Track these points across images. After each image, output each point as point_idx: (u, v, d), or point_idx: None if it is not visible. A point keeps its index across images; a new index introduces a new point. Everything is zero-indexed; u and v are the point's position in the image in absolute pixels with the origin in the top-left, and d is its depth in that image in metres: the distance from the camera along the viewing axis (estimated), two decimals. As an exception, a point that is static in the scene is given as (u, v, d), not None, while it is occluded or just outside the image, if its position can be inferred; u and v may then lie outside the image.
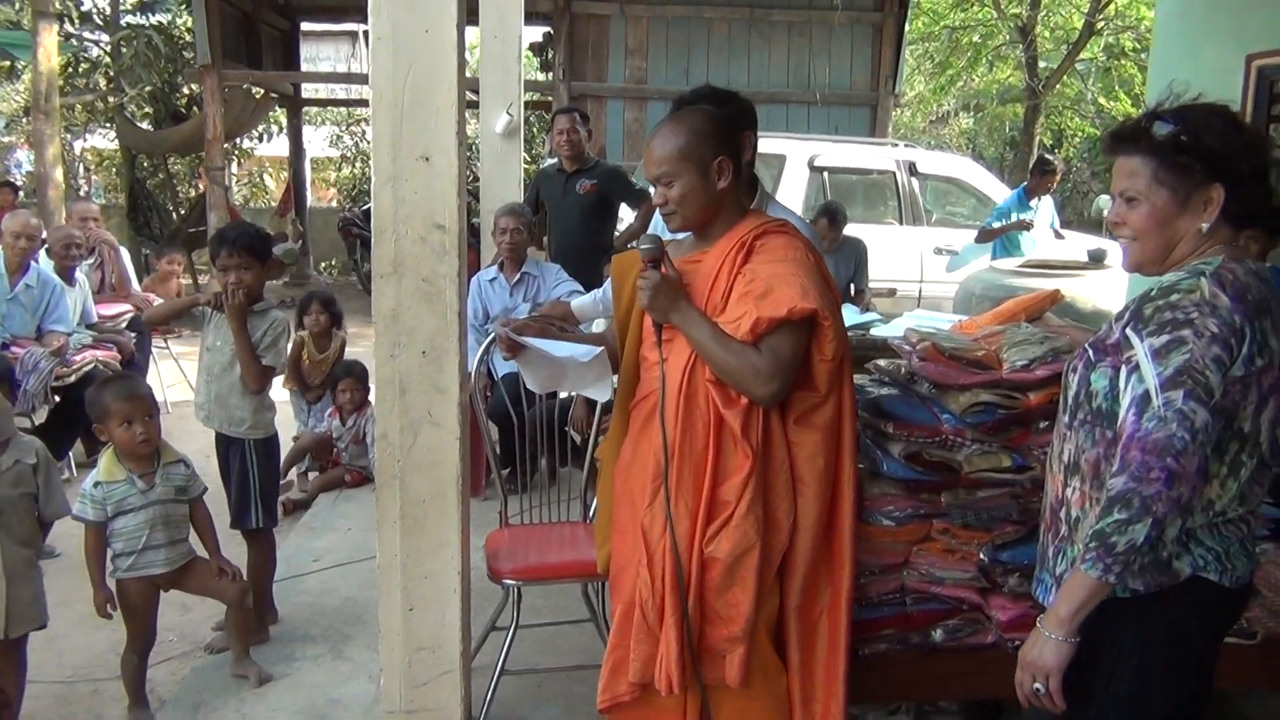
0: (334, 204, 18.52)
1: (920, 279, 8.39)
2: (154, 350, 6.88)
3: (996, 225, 7.79)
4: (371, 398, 4.41)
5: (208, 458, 3.81)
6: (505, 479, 3.56)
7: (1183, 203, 1.80)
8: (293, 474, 5.43)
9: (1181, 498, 1.67)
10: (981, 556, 2.47)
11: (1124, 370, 1.77)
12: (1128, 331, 1.79)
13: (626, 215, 6.41)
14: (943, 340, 2.61)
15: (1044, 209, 7.96)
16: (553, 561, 3.06)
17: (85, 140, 16.85)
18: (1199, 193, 1.79)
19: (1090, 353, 1.87)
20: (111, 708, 3.28)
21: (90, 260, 6.58)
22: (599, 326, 3.48)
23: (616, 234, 6.17)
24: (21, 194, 11.83)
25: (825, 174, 8.48)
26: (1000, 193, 8.95)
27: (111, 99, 13.66)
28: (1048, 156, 8.62)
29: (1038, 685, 1.82)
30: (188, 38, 12.99)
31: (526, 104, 8.76)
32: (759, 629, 2.29)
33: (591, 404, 3.94)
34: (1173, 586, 1.78)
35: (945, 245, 8.49)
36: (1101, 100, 16.91)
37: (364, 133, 17.16)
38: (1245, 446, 1.76)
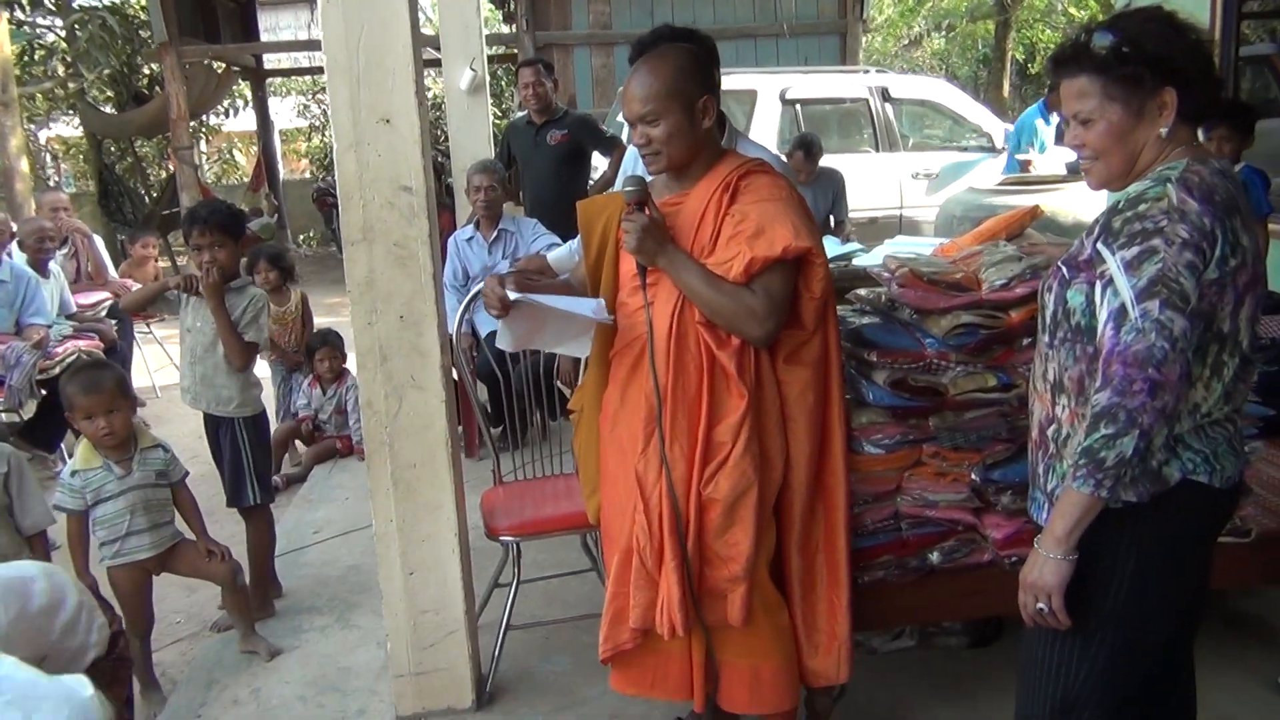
0: (307, 175, 18.35)
1: (900, 205, 8.36)
2: (137, 335, 6.84)
3: (1020, 158, 7.78)
4: (350, 365, 4.40)
5: (200, 439, 3.80)
6: (497, 437, 3.56)
7: (1138, 112, 1.77)
8: (285, 462, 5.42)
9: (1166, 407, 1.67)
10: (973, 477, 2.49)
11: (1099, 285, 1.76)
12: (1099, 246, 1.77)
13: (600, 164, 6.35)
14: (921, 265, 2.60)
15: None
16: (549, 515, 3.07)
17: (49, 129, 16.59)
18: (1152, 99, 1.76)
19: (1064, 270, 1.85)
20: (125, 693, 3.29)
21: (64, 250, 6.52)
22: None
23: (591, 183, 6.11)
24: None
25: (798, 106, 8.40)
26: (975, 112, 8.89)
27: (71, 85, 13.42)
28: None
29: (1041, 605, 1.83)
30: (143, 16, 12.74)
31: (491, 57, 8.66)
32: (759, 566, 2.30)
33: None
34: (1164, 493, 1.79)
35: (923, 169, 8.44)
36: (1072, 10, 16.73)
37: (331, 100, 16.91)
38: (1226, 347, 1.76)
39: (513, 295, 2.42)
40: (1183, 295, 1.66)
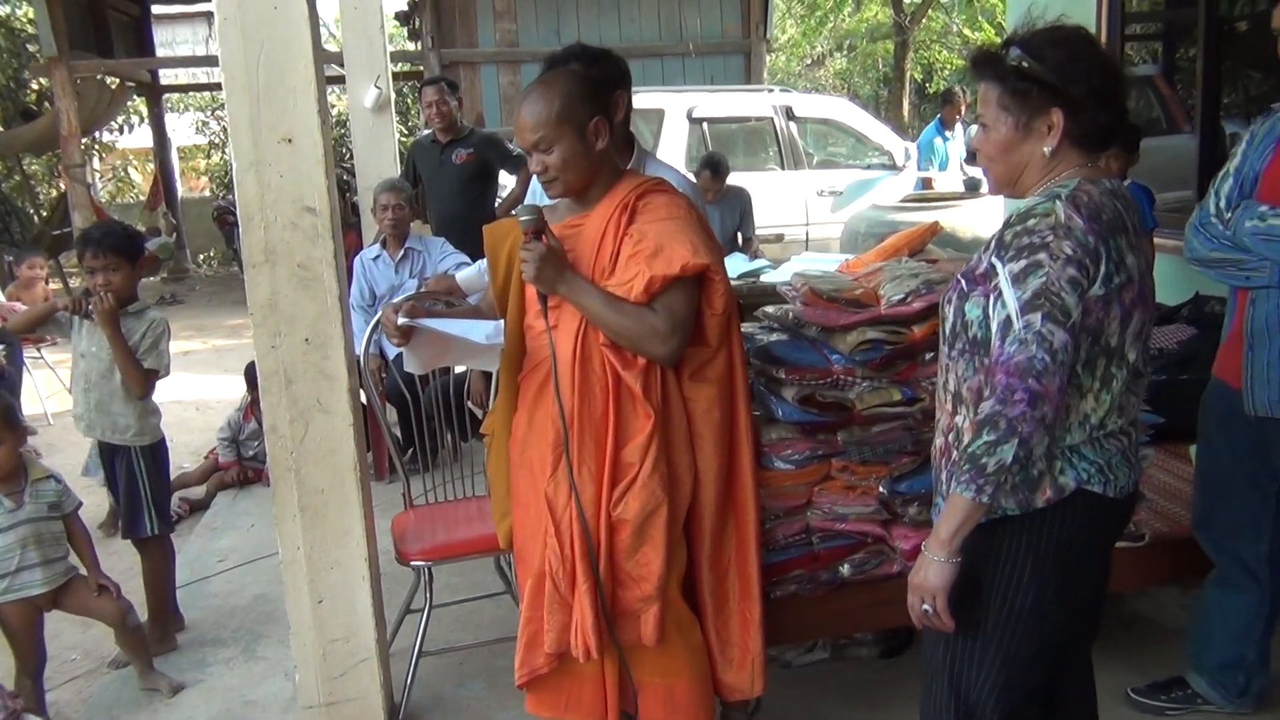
0: (206, 193, 17.88)
1: (806, 222, 8.50)
2: (27, 360, 6.58)
3: (922, 175, 8.09)
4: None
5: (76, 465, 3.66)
6: (408, 460, 3.51)
7: (1025, 128, 1.82)
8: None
9: (1045, 417, 1.71)
10: (881, 489, 2.54)
11: (992, 297, 1.81)
12: (992, 259, 1.82)
13: (508, 182, 6.33)
14: (821, 283, 2.64)
15: (959, 136, 8.51)
16: (461, 538, 3.03)
17: (-71, 146, 15.89)
18: (1039, 118, 1.81)
19: (963, 283, 1.90)
20: (16, 736, 3.15)
21: (-54, 273, 6.25)
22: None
23: (499, 201, 6.09)
24: None
25: (705, 125, 8.49)
26: (877, 131, 9.10)
27: (-46, 100, 12.91)
28: (954, 88, 9.01)
29: (926, 606, 1.86)
30: (30, 30, 12.32)
31: (396, 75, 8.57)
32: (670, 585, 2.31)
33: (488, 376, 3.90)
34: (1059, 501, 1.84)
35: (828, 187, 8.60)
36: (966, 31, 17.28)
37: (231, 116, 16.55)
38: (1114, 360, 1.81)
39: (402, 321, 2.42)
40: (1064, 310, 1.71)
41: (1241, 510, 2.64)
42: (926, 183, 8.03)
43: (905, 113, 16.33)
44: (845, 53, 20.07)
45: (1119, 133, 1.86)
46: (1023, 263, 1.75)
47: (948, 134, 8.51)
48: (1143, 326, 1.83)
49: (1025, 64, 1.79)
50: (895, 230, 4.71)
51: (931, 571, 1.84)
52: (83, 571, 3.18)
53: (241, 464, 5.20)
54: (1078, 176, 1.82)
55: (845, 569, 2.57)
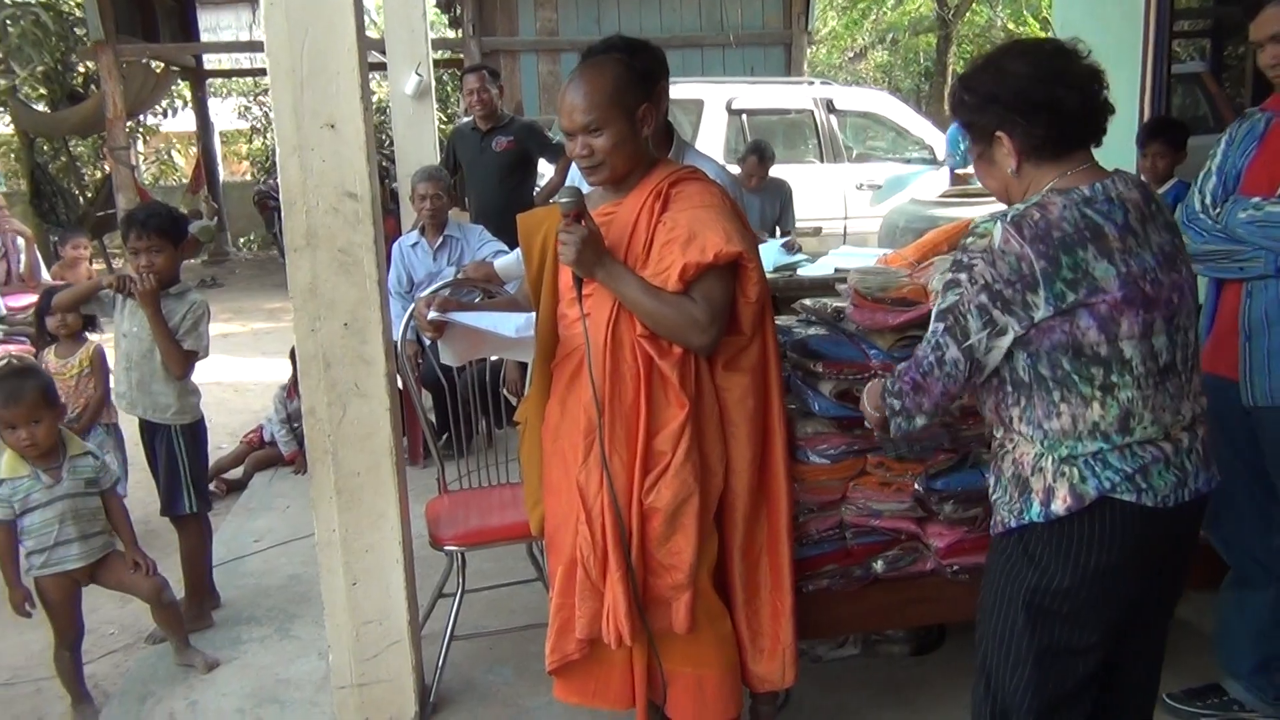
0: (247, 177, 18.08)
1: (844, 216, 8.45)
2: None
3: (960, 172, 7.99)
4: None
5: (136, 444, 3.71)
6: (442, 445, 3.53)
7: (989, 157, 1.91)
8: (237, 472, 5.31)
9: (921, 405, 1.94)
10: (916, 486, 2.52)
11: None
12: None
13: (547, 170, 6.34)
14: (869, 280, 2.61)
15: None
16: (494, 525, 3.05)
17: (-22, 127, 16.16)
18: (994, 145, 1.89)
19: None
20: (55, 705, 3.21)
21: (-6, 252, 6.35)
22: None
23: (537, 190, 6.09)
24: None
25: (744, 116, 8.46)
26: (918, 125, 9.02)
27: (2, 81, 13.09)
28: None
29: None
30: (78, 13, 12.46)
31: (437, 63, 8.60)
32: (702, 574, 2.31)
33: (524, 364, 3.91)
34: (1083, 509, 1.84)
35: (867, 180, 8.54)
36: (1010, 26, 17.08)
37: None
38: (1112, 368, 1.81)
39: (432, 315, 2.43)
40: (964, 331, 1.84)
41: (1247, 504, 2.62)
42: (961, 179, 7.94)
43: (946, 107, 16.17)
44: (887, 46, 19.90)
45: (1074, 135, 1.86)
46: (949, 276, 1.87)
47: None
48: (1147, 328, 1.81)
49: (965, 98, 1.90)
50: (934, 225, 4.66)
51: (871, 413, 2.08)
52: (120, 547, 3.23)
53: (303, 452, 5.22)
54: (1048, 189, 1.85)
55: (878, 565, 2.56)
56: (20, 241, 6.64)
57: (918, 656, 3.14)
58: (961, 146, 7.91)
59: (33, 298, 6.23)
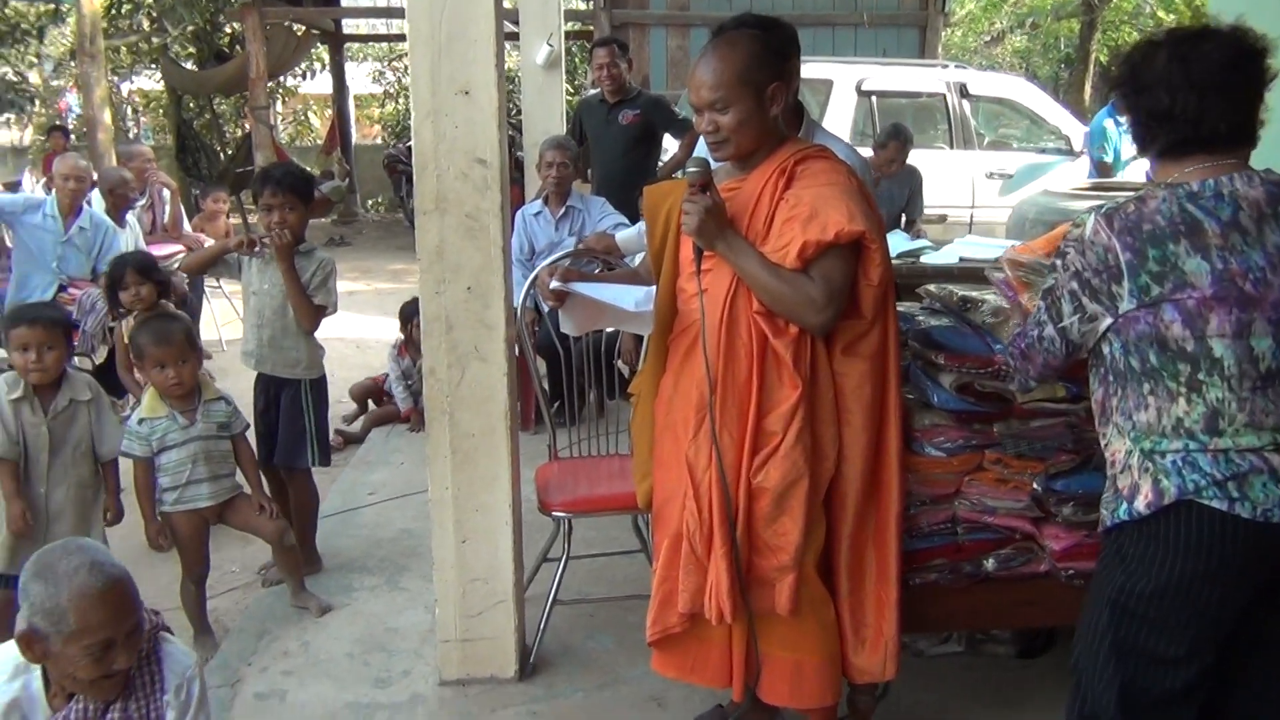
0: (378, 141, 18.51)
1: (972, 204, 8.22)
2: (207, 289, 6.98)
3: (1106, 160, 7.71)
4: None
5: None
6: (554, 413, 3.58)
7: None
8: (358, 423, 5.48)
9: (1028, 372, 2.08)
10: (1035, 486, 2.45)
11: None
12: None
13: (671, 145, 6.33)
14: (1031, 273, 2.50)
15: None
16: (602, 494, 3.08)
17: (132, 82, 16.94)
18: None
19: None
20: (179, 636, 3.35)
21: (141, 202, 6.66)
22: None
23: (660, 164, 6.10)
24: (73, 137, 11.97)
25: (873, 98, 8.28)
26: (1055, 114, 8.70)
27: (155, 40, 13.70)
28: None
29: None
30: (227, -25, 12.95)
31: (567, 34, 8.64)
32: (807, 559, 2.29)
33: (640, 337, 3.94)
34: (1164, 510, 1.81)
35: (998, 169, 8.29)
36: (1160, 13, 16.30)
37: (406, 68, 17.05)
38: (1201, 367, 1.79)
39: (554, 285, 2.45)
40: (1058, 312, 1.95)
41: None
42: (1103, 169, 7.62)
43: (1086, 96, 15.56)
44: (1026, 30, 19.23)
45: (1195, 139, 1.84)
46: (1054, 261, 1.98)
47: (1121, 119, 7.95)
48: (1244, 327, 1.77)
49: (1115, 72, 1.99)
50: (1067, 219, 4.48)
51: None
52: (247, 490, 3.38)
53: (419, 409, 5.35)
54: (1152, 185, 1.89)
55: (990, 563, 2.50)
56: (166, 193, 6.95)
57: (1023, 659, 3.07)
58: (1111, 136, 7.59)
59: (176, 247, 6.54)
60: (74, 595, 1.78)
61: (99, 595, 1.80)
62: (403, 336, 5.47)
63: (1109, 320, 1.87)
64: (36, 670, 1.92)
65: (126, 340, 3.98)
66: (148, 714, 1.96)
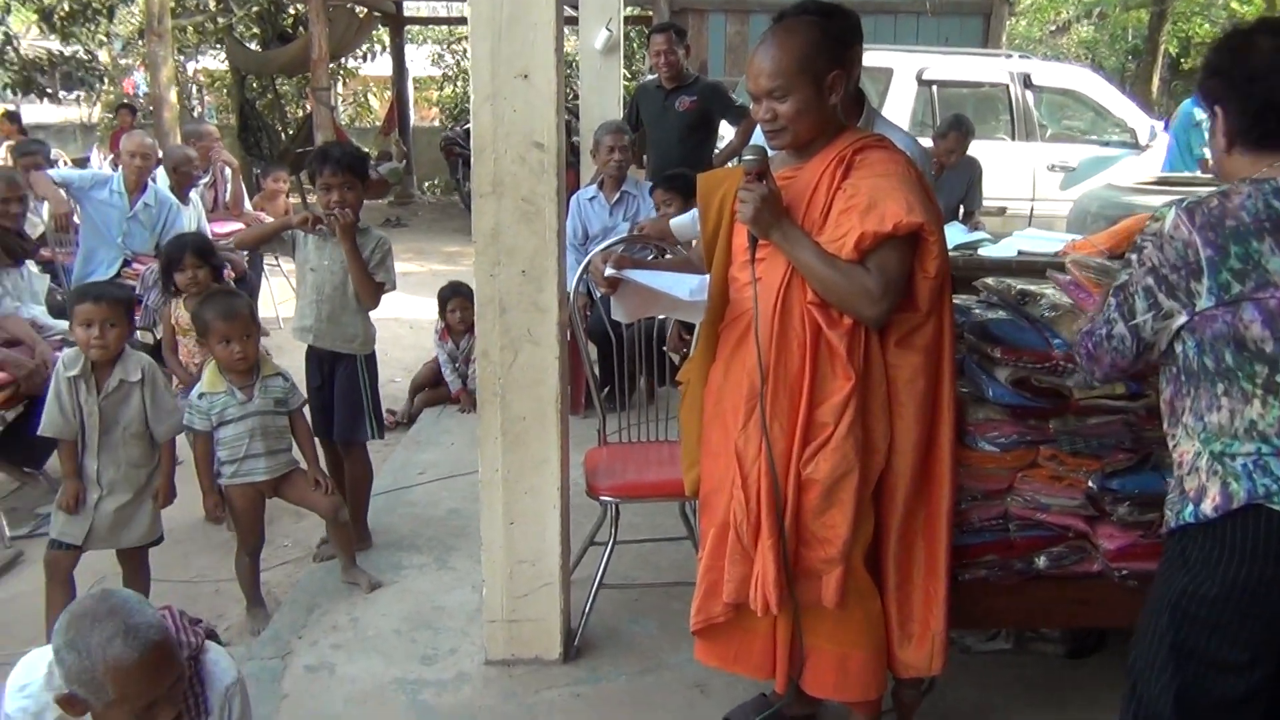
0: (436, 123, 18.66)
1: (1032, 197, 8.09)
2: (266, 267, 7.08)
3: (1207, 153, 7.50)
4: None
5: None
6: (604, 397, 3.59)
7: (1213, 129, 1.90)
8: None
9: (1094, 373, 2.02)
10: (1090, 484, 2.41)
11: None
12: None
13: (727, 132, 6.31)
14: (1088, 263, 2.46)
15: None
16: (650, 480, 3.09)
17: (197, 61, 17.23)
18: (1214, 118, 1.88)
19: None
20: (233, 607, 3.45)
21: (204, 180, 6.77)
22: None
23: (716, 151, 6.07)
24: (139, 115, 12.21)
25: (934, 87, 8.17)
26: (1121, 106, 8.53)
27: (221, 20, 13.90)
28: None
29: None
30: (292, -44, 13.11)
31: (626, 18, 8.63)
32: (855, 551, 2.28)
33: (686, 324, 3.93)
34: (1231, 513, 1.77)
35: (1060, 161, 8.15)
36: (1234, 4, 15.87)
37: (465, 51, 17.16)
38: (1278, 368, 1.74)
39: (609, 272, 2.44)
40: (1131, 309, 1.89)
41: None
42: (1203, 165, 7.40)
43: (1154, 88, 15.22)
44: (1093, 20, 18.84)
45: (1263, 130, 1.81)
46: (1129, 256, 1.91)
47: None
48: None
49: (1203, 60, 1.92)
50: (1130, 214, 4.39)
51: None
52: (303, 466, 3.43)
53: (468, 390, 5.40)
54: (1241, 179, 1.82)
55: (1041, 561, 2.47)
56: (228, 172, 7.07)
57: (1073, 659, 3.03)
58: (1196, 124, 7.36)
59: (237, 225, 6.65)
60: (110, 668, 1.72)
61: (136, 665, 1.73)
62: (442, 322, 5.52)
63: (1183, 318, 1.81)
64: None
65: (174, 321, 4.04)
66: None
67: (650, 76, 6.29)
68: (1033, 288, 2.56)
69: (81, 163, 9.27)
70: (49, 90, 13.02)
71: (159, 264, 4.45)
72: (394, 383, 5.67)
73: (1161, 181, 6.48)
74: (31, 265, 4.95)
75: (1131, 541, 2.37)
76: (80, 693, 1.75)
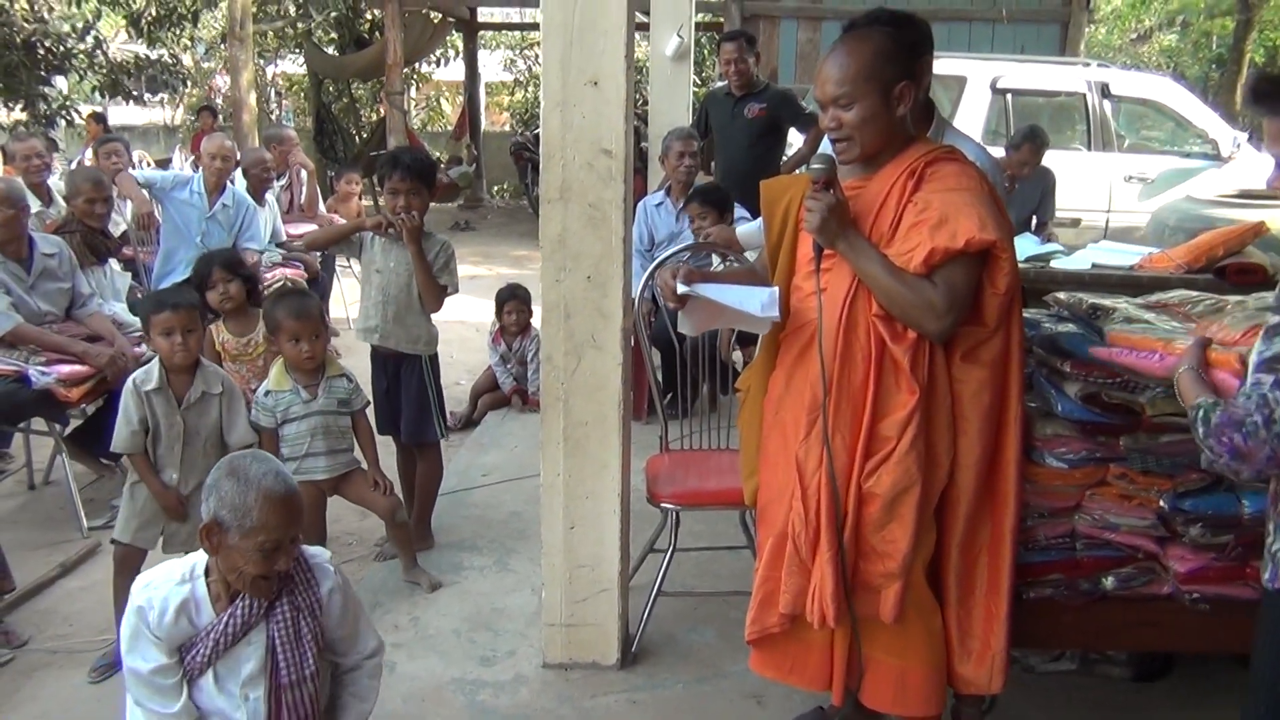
0: (507, 128, 18.84)
1: (1108, 209, 7.92)
2: (338, 268, 7.20)
3: None
4: (535, 321, 4.47)
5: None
6: (667, 404, 3.59)
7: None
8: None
9: (1240, 472, 1.66)
10: (1161, 504, 2.35)
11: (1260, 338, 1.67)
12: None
13: (796, 140, 6.27)
14: (1131, 318, 2.37)
15: None
16: (711, 488, 3.08)
17: (276, 66, 17.61)
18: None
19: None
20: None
21: (280, 182, 6.91)
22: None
23: (785, 159, 6.04)
24: (220, 118, 12.51)
25: (1008, 96, 8.03)
26: (1202, 116, 8.30)
27: (300, 25, 14.19)
28: None
29: None
30: (369, -36, 13.32)
31: (697, 25, 8.64)
32: (915, 566, 2.26)
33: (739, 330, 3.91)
34: None
35: (1137, 173, 7.96)
36: (1326, 13, 15.40)
37: (537, 57, 17.29)
38: None
39: (681, 289, 2.43)
40: None
41: None
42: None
43: (1238, 99, 14.79)
44: (1176, 29, 18.39)
45: None
46: (1275, 319, 1.64)
47: None
48: None
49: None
50: (1210, 227, 4.29)
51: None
52: (364, 465, 3.49)
53: (520, 389, 5.46)
54: None
55: (1109, 581, 2.42)
56: (304, 174, 7.21)
57: (1139, 683, 2.95)
58: None
59: (311, 227, 6.77)
60: (261, 495, 2.04)
61: (281, 499, 2.06)
62: (498, 323, 5.57)
63: None
64: (201, 576, 2.17)
65: (219, 347, 3.86)
66: (312, 603, 2.22)
67: (720, 83, 6.28)
68: (1105, 301, 2.50)
69: (165, 164, 9.52)
70: (134, 93, 13.41)
71: (193, 285, 4.04)
72: (459, 384, 5.74)
73: (1243, 194, 6.31)
74: (114, 263, 5.09)
75: (1203, 564, 2.31)
76: (227, 518, 2.04)
